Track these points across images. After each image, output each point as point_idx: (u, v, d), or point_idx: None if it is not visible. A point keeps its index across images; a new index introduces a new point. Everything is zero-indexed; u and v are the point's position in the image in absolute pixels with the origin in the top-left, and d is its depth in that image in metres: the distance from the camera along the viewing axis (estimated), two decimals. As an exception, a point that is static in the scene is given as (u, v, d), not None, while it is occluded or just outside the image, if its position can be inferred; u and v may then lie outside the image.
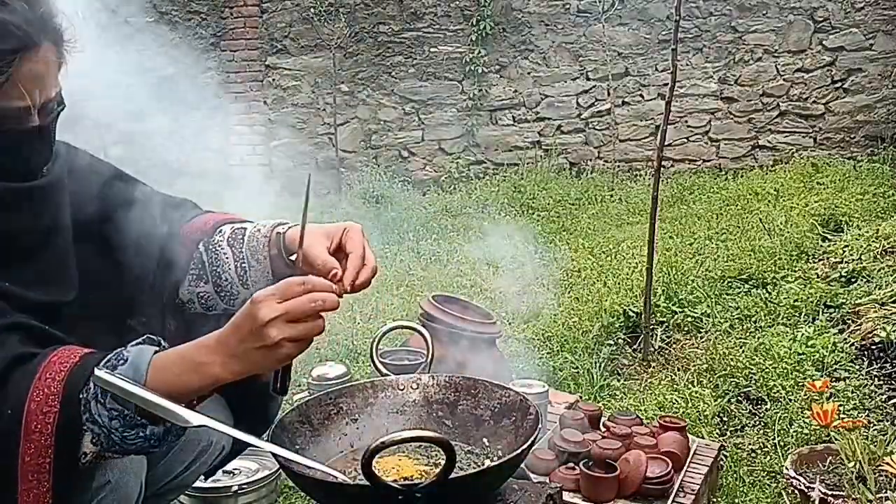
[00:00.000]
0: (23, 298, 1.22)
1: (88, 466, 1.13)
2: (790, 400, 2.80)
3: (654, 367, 3.24)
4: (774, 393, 2.87)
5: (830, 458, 2.16)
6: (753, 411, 2.84)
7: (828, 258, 4.11)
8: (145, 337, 1.16)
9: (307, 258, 1.25)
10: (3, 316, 1.17)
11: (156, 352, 1.13)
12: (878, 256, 3.81)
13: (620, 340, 3.37)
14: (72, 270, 1.33)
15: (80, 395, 1.09)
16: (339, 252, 1.29)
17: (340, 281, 1.22)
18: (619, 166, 6.97)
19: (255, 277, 1.39)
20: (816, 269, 4.01)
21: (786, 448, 2.53)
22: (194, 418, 1.07)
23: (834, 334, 3.22)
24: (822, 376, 2.90)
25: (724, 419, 2.81)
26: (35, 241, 1.29)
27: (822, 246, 4.35)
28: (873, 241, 3.96)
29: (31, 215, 1.27)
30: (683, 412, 2.77)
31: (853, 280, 3.71)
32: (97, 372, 1.05)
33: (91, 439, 1.10)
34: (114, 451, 1.12)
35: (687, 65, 6.83)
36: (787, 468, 2.17)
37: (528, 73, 7.17)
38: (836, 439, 1.97)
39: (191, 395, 1.13)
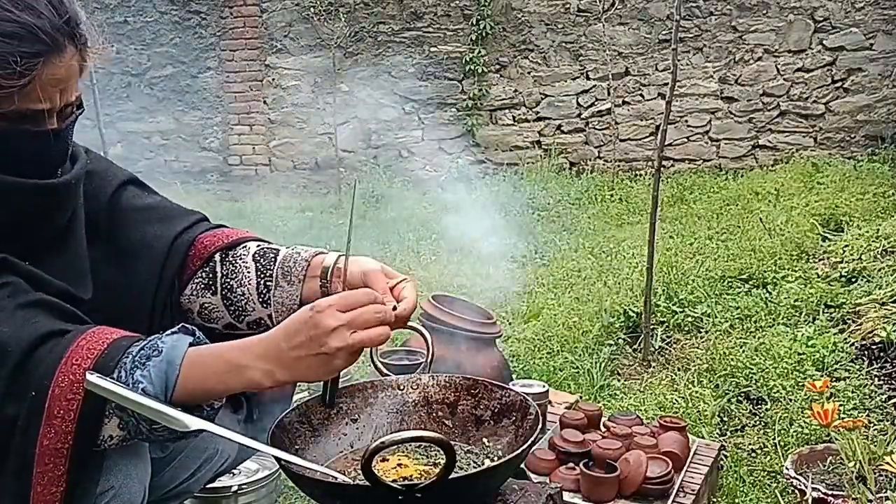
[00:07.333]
0: (48, 284, 1.22)
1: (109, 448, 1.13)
2: (790, 400, 2.80)
3: (654, 367, 3.23)
4: (774, 393, 2.87)
5: (830, 458, 2.17)
6: (753, 411, 2.84)
7: (828, 258, 4.11)
8: (180, 326, 1.17)
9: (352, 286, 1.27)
10: (27, 293, 1.17)
11: (191, 343, 1.13)
12: (879, 256, 3.81)
13: (620, 340, 3.37)
14: (87, 272, 1.33)
15: None
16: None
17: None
18: (619, 166, 6.97)
19: (279, 298, 1.38)
20: (816, 268, 4.01)
21: (786, 448, 2.53)
22: (193, 423, 1.08)
23: (834, 334, 3.22)
24: (822, 376, 2.89)
25: (724, 419, 2.81)
26: (54, 240, 1.29)
27: (822, 246, 4.35)
28: (873, 241, 3.96)
29: (50, 212, 1.27)
30: (683, 412, 2.77)
31: (853, 280, 3.70)
32: (89, 377, 1.05)
33: (118, 424, 1.11)
34: (140, 438, 1.13)
35: (687, 64, 6.83)
36: (787, 468, 2.17)
37: (528, 73, 7.17)
38: (836, 439, 1.97)
39: (222, 396, 1.15)
